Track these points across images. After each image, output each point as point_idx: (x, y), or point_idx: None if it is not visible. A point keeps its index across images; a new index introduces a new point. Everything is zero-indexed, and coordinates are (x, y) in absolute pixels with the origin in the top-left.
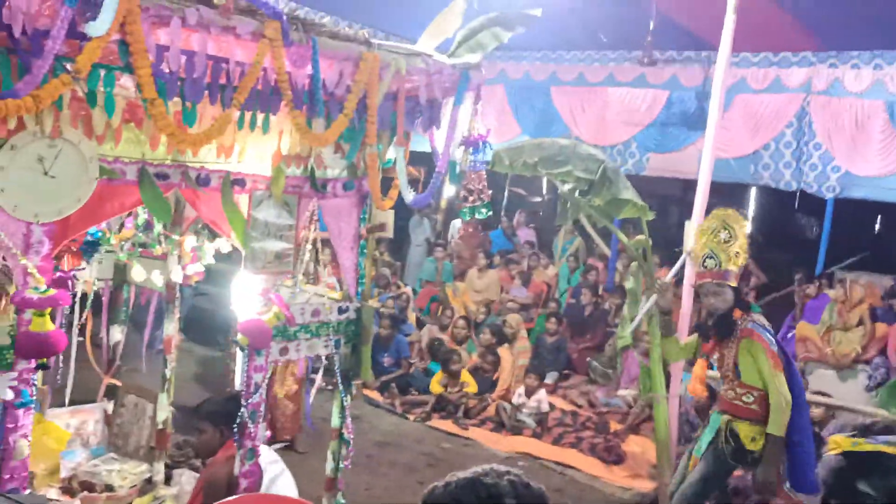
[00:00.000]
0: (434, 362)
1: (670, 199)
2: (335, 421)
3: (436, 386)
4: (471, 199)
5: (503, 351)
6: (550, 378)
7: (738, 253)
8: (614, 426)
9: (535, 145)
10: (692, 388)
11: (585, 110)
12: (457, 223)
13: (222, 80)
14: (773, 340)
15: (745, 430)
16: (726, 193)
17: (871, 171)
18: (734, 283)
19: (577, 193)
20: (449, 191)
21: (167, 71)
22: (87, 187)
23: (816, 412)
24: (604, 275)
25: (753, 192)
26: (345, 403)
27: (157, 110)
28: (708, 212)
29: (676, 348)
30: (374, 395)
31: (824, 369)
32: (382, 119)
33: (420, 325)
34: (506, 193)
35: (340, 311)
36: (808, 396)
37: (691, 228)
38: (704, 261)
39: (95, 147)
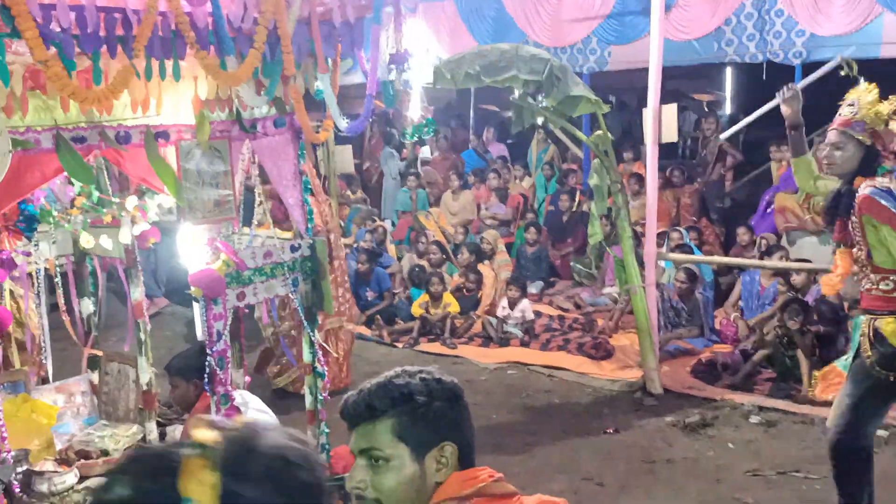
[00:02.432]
0: (415, 288)
1: (643, 90)
2: (306, 356)
3: (417, 309)
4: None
5: (483, 267)
6: (535, 287)
7: (887, 119)
8: (601, 323)
9: (476, 54)
10: (825, 285)
11: (540, 12)
12: (425, 149)
13: (119, 32)
14: None
15: (890, 327)
16: (697, 76)
17: (837, 29)
18: (866, 140)
19: (528, 98)
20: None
21: (58, 29)
22: (2, 162)
23: (798, 279)
24: (580, 177)
25: (728, 72)
26: (312, 338)
27: (53, 71)
28: (672, 96)
29: (808, 170)
30: (362, 329)
31: (806, 236)
32: (300, 48)
33: (400, 256)
34: (471, 112)
35: (293, 249)
36: (784, 263)
37: (648, 117)
38: (843, 108)
39: (4, 120)
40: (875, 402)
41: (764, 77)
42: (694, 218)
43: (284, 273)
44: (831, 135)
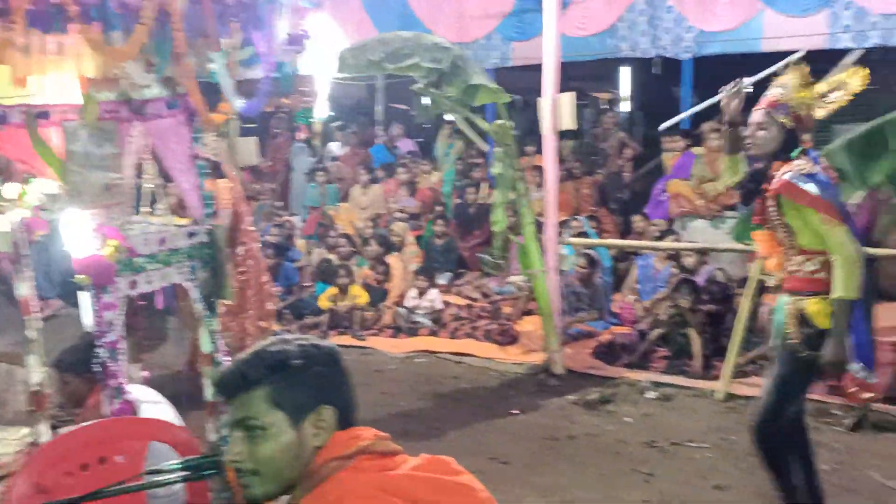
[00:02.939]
0: (320, 283)
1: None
2: (206, 346)
3: (324, 301)
4: (302, 101)
5: (392, 259)
6: (444, 279)
7: (809, 102)
8: (507, 310)
9: (378, 41)
10: (772, 266)
11: (443, 7)
12: (333, 146)
13: None
14: (825, 186)
15: (815, 308)
16: (596, 76)
17: (722, 25)
18: (788, 123)
19: (431, 88)
20: (321, 112)
21: None
22: None
23: (689, 261)
24: (485, 171)
25: (624, 71)
26: (212, 328)
27: None
28: (568, 89)
29: (736, 172)
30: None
31: (697, 221)
32: (191, 26)
33: (310, 251)
34: (379, 107)
35: (190, 235)
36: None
37: (545, 105)
38: (773, 89)
39: None
40: (798, 382)
41: (657, 72)
42: (593, 208)
43: (181, 260)
44: (757, 114)
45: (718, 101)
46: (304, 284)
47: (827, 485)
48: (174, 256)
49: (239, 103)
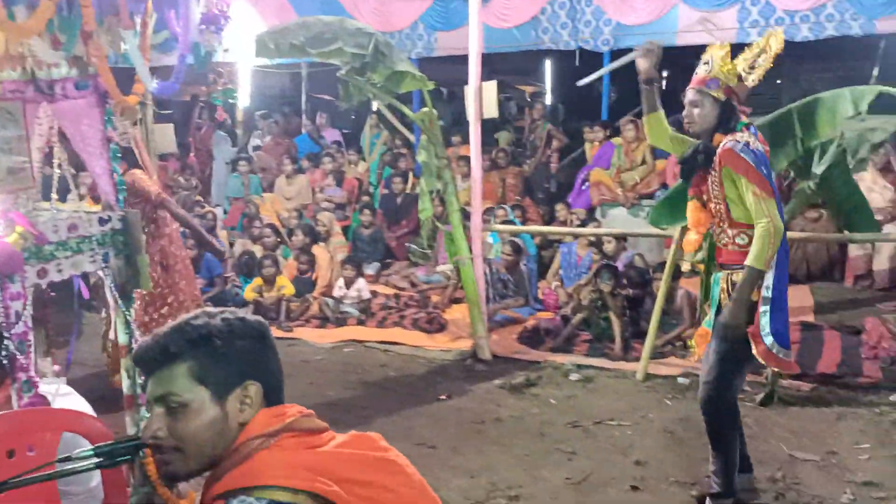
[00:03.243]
0: (243, 277)
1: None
2: (122, 338)
3: (249, 293)
4: (220, 82)
5: (318, 249)
6: (372, 269)
7: (739, 74)
8: (435, 299)
9: (300, 25)
10: (689, 242)
11: None
12: (256, 135)
13: None
14: (761, 160)
15: None
16: (519, 69)
17: (639, 19)
18: (721, 96)
19: (355, 75)
20: (244, 100)
21: None
22: None
23: (610, 247)
24: (412, 161)
25: (548, 63)
26: (128, 318)
27: None
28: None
29: (660, 127)
30: None
31: (617, 208)
32: (102, 2)
33: (232, 242)
34: (304, 97)
35: (102, 222)
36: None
37: (470, 93)
38: (700, 66)
39: None
40: (738, 355)
41: (577, 64)
42: (518, 197)
43: (93, 248)
44: (689, 94)
45: (633, 61)
46: (227, 276)
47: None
48: (86, 244)
49: (153, 85)
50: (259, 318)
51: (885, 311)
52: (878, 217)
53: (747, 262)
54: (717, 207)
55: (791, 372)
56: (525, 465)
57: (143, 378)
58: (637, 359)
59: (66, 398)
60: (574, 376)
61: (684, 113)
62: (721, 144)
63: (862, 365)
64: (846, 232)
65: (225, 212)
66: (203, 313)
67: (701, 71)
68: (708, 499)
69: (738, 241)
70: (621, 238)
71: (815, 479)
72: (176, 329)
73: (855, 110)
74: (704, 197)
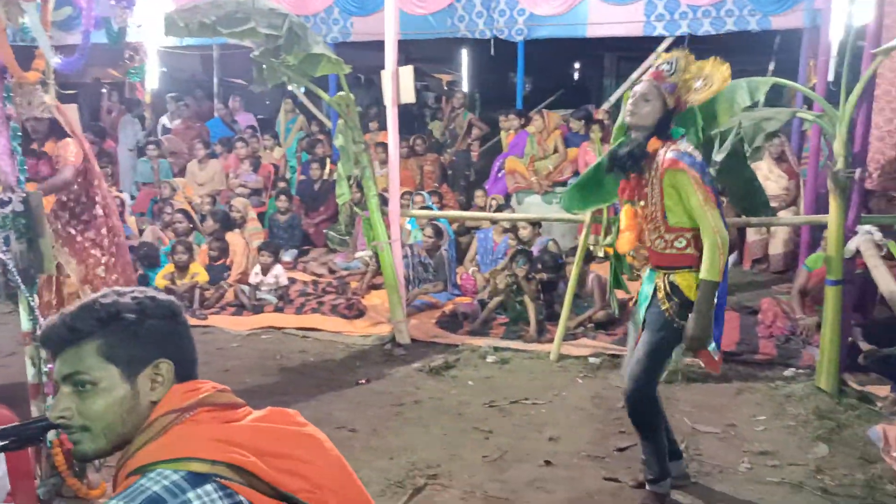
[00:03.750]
0: (145, 268)
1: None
2: (25, 325)
3: (160, 280)
4: (137, 59)
5: (232, 236)
6: (289, 255)
7: (695, 87)
8: (355, 285)
9: (211, 4)
10: (622, 242)
11: None
12: (164, 119)
13: None
14: (705, 172)
15: (685, 281)
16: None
17: (551, 10)
18: (671, 103)
19: (269, 57)
20: (151, 82)
21: None
22: None
23: (525, 233)
24: (329, 146)
25: (464, 52)
26: (31, 304)
27: None
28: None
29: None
30: None
31: (532, 196)
32: None
33: (142, 229)
34: (216, 80)
35: (1, 203)
36: (514, 215)
37: (386, 78)
38: (661, 64)
39: None
40: (668, 350)
41: (492, 53)
42: (436, 184)
43: None
44: (643, 85)
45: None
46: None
47: None
48: None
49: (56, 60)
50: (170, 297)
51: (779, 293)
52: (774, 204)
53: (703, 276)
54: (654, 213)
55: (715, 372)
56: (444, 444)
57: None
58: (551, 341)
59: None
60: (491, 358)
61: (630, 102)
62: (661, 152)
63: (758, 343)
64: (743, 217)
65: (132, 197)
66: (112, 292)
67: (664, 68)
68: (646, 485)
69: (676, 244)
70: (536, 224)
71: (716, 450)
72: (84, 307)
73: (751, 100)
74: (639, 201)
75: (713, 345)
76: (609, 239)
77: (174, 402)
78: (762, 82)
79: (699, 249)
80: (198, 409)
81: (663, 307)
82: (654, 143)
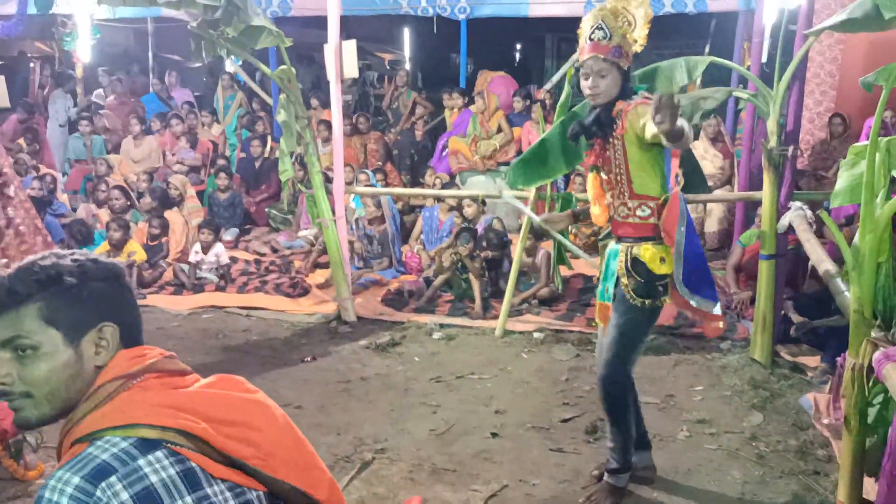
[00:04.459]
0: (79, 245)
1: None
2: None
3: None
4: (69, 24)
5: (172, 214)
6: (230, 234)
7: (634, 40)
8: (298, 264)
9: None
10: (596, 215)
11: None
12: (99, 92)
13: None
14: None
15: (648, 253)
16: (379, 36)
17: None
18: (625, 65)
19: (208, 29)
20: (84, 55)
21: None
22: None
23: (469, 211)
24: (269, 123)
25: (406, 31)
26: None
27: None
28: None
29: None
30: None
31: (475, 175)
32: None
33: (75, 207)
34: (150, 58)
35: None
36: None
37: (329, 52)
38: (592, 33)
39: None
40: (638, 331)
41: (435, 31)
42: (380, 163)
43: None
44: (592, 63)
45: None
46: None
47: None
48: None
49: None
50: (114, 261)
51: (714, 269)
52: (709, 183)
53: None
54: (618, 178)
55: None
56: (391, 419)
57: None
58: (496, 317)
59: None
60: (437, 335)
61: (587, 84)
62: (624, 110)
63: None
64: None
65: (65, 174)
66: (52, 254)
67: (597, 37)
68: (606, 474)
69: (639, 213)
70: (480, 202)
71: (656, 419)
72: (23, 269)
73: (689, 79)
74: (603, 167)
75: (716, 305)
76: (545, 216)
77: (121, 368)
78: (700, 61)
79: (661, 220)
80: (145, 376)
81: (623, 283)
82: (619, 106)
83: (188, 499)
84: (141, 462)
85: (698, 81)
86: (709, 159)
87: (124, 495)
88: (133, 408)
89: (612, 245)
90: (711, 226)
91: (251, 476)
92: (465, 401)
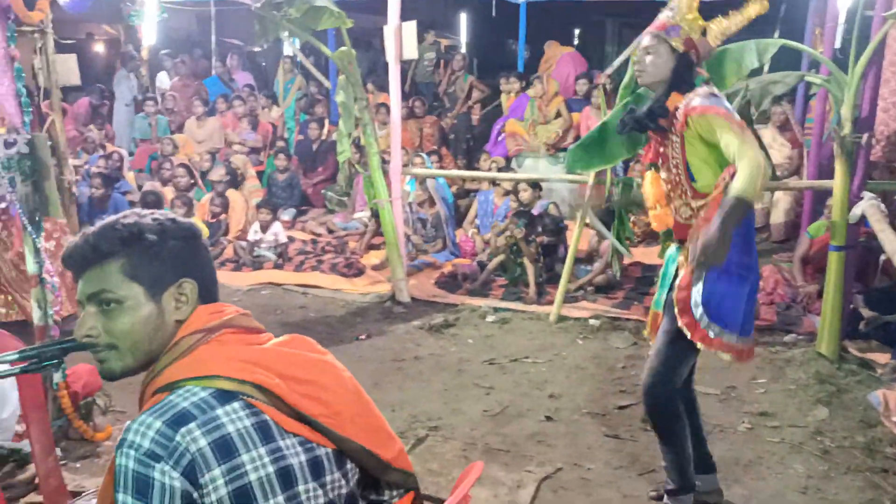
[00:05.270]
0: None
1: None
2: (31, 267)
3: None
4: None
5: (232, 193)
6: (288, 215)
7: (704, 27)
8: (353, 245)
9: None
10: (659, 217)
11: None
12: (163, 75)
13: None
14: (729, 106)
15: None
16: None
17: None
18: (679, 47)
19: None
20: (149, 37)
21: None
22: None
23: (525, 195)
24: (327, 106)
25: (464, 16)
26: (37, 245)
27: None
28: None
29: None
30: None
31: (533, 158)
32: None
33: (140, 185)
34: (213, 43)
35: (7, 144)
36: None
37: (389, 33)
38: (662, 12)
39: None
40: (691, 343)
41: (493, 15)
42: (435, 146)
43: None
44: (645, 38)
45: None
46: None
47: None
48: None
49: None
50: (191, 221)
51: (780, 262)
52: (777, 173)
53: (734, 192)
54: (677, 177)
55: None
56: (444, 399)
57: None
58: (551, 303)
59: None
60: (490, 318)
61: (635, 59)
62: (682, 104)
63: (759, 309)
64: None
65: (130, 153)
66: (133, 213)
67: (663, 16)
68: (665, 497)
69: (703, 213)
70: (537, 187)
71: (716, 410)
72: (106, 227)
73: (759, 62)
74: (662, 165)
75: (734, 335)
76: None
77: (200, 322)
78: (771, 44)
79: None
80: (223, 330)
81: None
82: (674, 99)
83: (262, 449)
84: (219, 412)
85: (766, 67)
86: (776, 148)
87: (202, 442)
88: (212, 360)
89: (671, 249)
90: (777, 217)
91: (321, 433)
92: (518, 384)
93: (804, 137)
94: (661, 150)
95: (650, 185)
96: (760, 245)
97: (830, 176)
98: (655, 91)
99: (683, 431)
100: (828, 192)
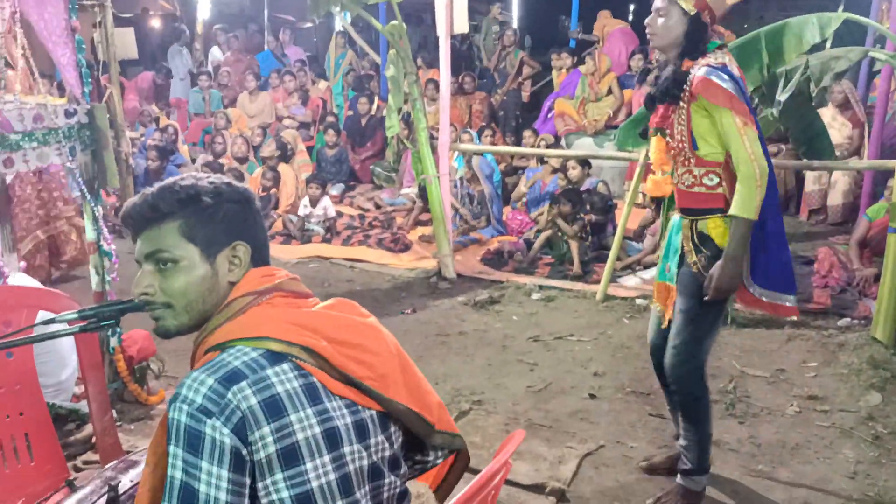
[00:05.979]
0: None
1: None
2: (90, 234)
3: None
4: None
5: (283, 167)
6: (336, 190)
7: None
8: (400, 221)
9: None
10: (657, 182)
11: None
12: (216, 51)
13: None
14: (738, 83)
15: (717, 228)
16: None
17: None
18: (691, 9)
19: None
20: (203, 11)
21: None
22: None
23: (574, 173)
24: (377, 82)
25: None
26: (96, 213)
27: None
28: None
29: None
30: None
31: (582, 138)
32: None
33: (194, 158)
34: (265, 19)
35: (68, 114)
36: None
37: (439, 7)
38: None
39: None
40: (708, 313)
41: None
42: (484, 123)
43: (60, 140)
44: (657, 1)
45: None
46: None
47: None
48: (52, 136)
49: None
50: (246, 185)
51: (836, 244)
52: (836, 153)
53: (733, 211)
54: (680, 143)
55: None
56: (488, 374)
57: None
58: (597, 281)
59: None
60: (536, 295)
61: (647, 21)
62: (694, 70)
63: (813, 292)
64: (805, 160)
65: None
66: (190, 176)
67: None
68: (679, 476)
69: (705, 181)
70: (586, 165)
71: (764, 393)
72: (165, 188)
73: (821, 37)
74: (667, 130)
75: (792, 297)
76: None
77: (252, 285)
78: (833, 17)
79: (733, 190)
80: (273, 294)
81: (690, 260)
82: (686, 65)
83: (309, 410)
84: (269, 372)
85: (829, 43)
86: (836, 128)
87: (252, 400)
88: (263, 322)
89: (675, 217)
90: (835, 199)
91: (367, 395)
92: (562, 361)
93: (866, 117)
94: (668, 115)
95: (653, 150)
96: (816, 227)
97: (892, 156)
98: (668, 55)
99: (708, 410)
100: (889, 174)
